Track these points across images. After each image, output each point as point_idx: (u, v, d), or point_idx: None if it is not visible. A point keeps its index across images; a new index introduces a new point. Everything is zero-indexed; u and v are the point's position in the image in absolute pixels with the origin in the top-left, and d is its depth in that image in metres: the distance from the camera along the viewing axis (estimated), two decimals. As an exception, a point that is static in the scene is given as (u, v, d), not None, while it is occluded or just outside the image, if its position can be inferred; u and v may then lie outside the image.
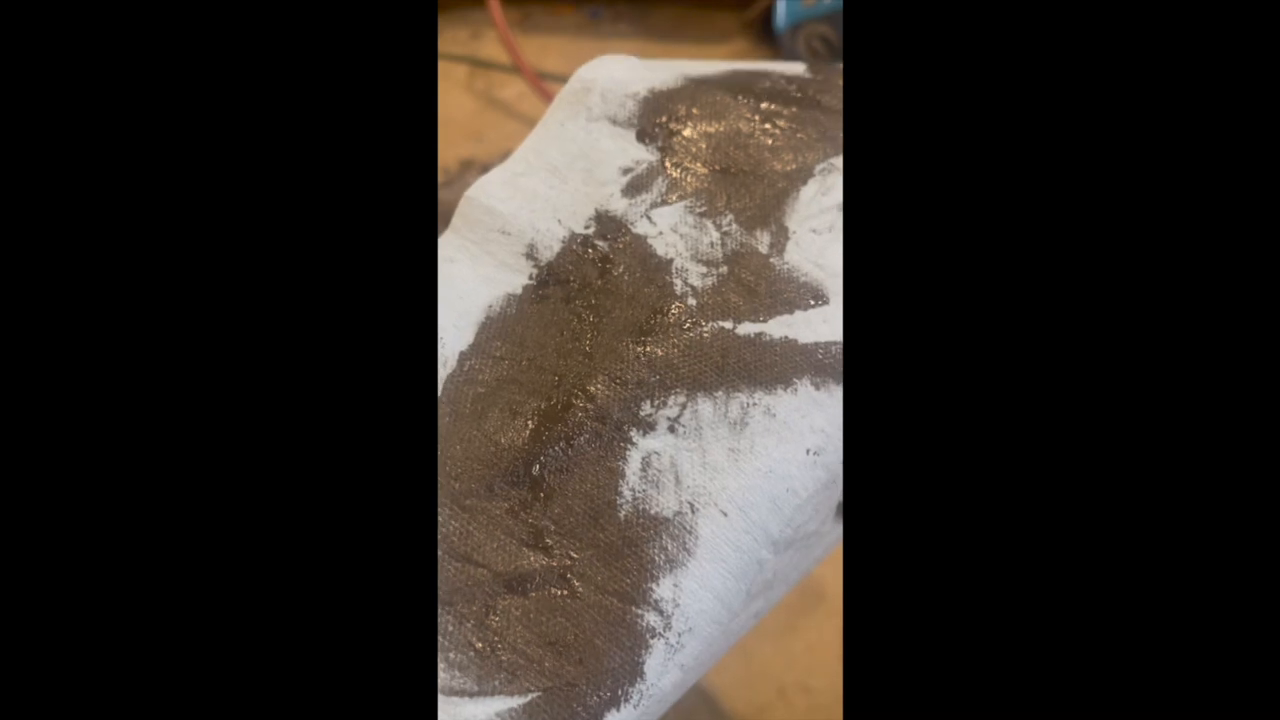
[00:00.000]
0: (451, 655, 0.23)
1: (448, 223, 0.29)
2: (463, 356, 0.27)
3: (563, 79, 0.31)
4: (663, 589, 0.24)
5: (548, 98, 0.42)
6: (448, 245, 0.29)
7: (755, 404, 0.25)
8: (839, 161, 0.29)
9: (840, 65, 0.33)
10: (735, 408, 0.25)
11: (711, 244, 0.28)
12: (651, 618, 0.24)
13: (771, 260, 0.27)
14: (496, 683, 0.23)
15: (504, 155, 0.31)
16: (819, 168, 0.29)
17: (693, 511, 0.25)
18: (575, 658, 0.23)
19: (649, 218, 0.28)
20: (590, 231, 0.28)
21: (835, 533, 0.29)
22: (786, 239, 0.28)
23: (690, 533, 0.25)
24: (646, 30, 0.53)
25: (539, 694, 0.23)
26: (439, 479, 0.25)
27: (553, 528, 0.25)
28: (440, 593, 0.24)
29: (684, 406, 0.25)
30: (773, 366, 0.26)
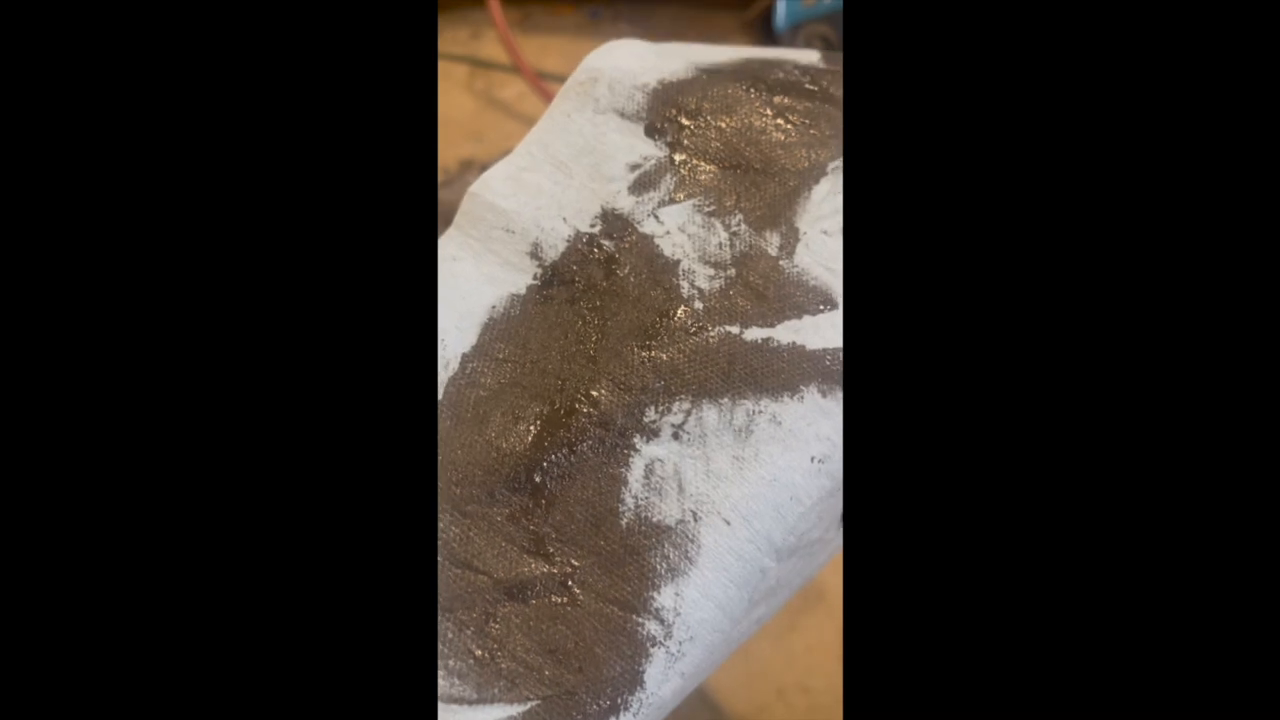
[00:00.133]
0: (451, 663, 0.23)
1: (447, 223, 0.29)
2: (465, 359, 0.26)
3: (563, 79, 0.30)
4: (664, 597, 0.24)
5: (547, 98, 0.41)
6: (451, 243, 0.28)
7: (761, 411, 0.25)
8: None
9: None
10: (741, 415, 0.25)
11: (720, 245, 0.27)
12: (652, 626, 0.24)
13: (781, 263, 0.27)
14: (496, 690, 0.23)
15: (504, 155, 0.30)
16: (832, 166, 0.28)
17: (695, 520, 0.24)
18: (575, 666, 0.23)
19: (656, 216, 0.28)
20: (596, 230, 0.28)
21: (839, 539, 0.29)
22: (797, 240, 0.27)
23: (693, 541, 0.24)
24: (646, 30, 0.52)
25: (538, 702, 0.23)
26: (440, 484, 0.25)
27: (554, 535, 0.24)
28: (440, 599, 0.24)
29: (689, 413, 0.25)
30: (780, 373, 0.25)
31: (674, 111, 0.29)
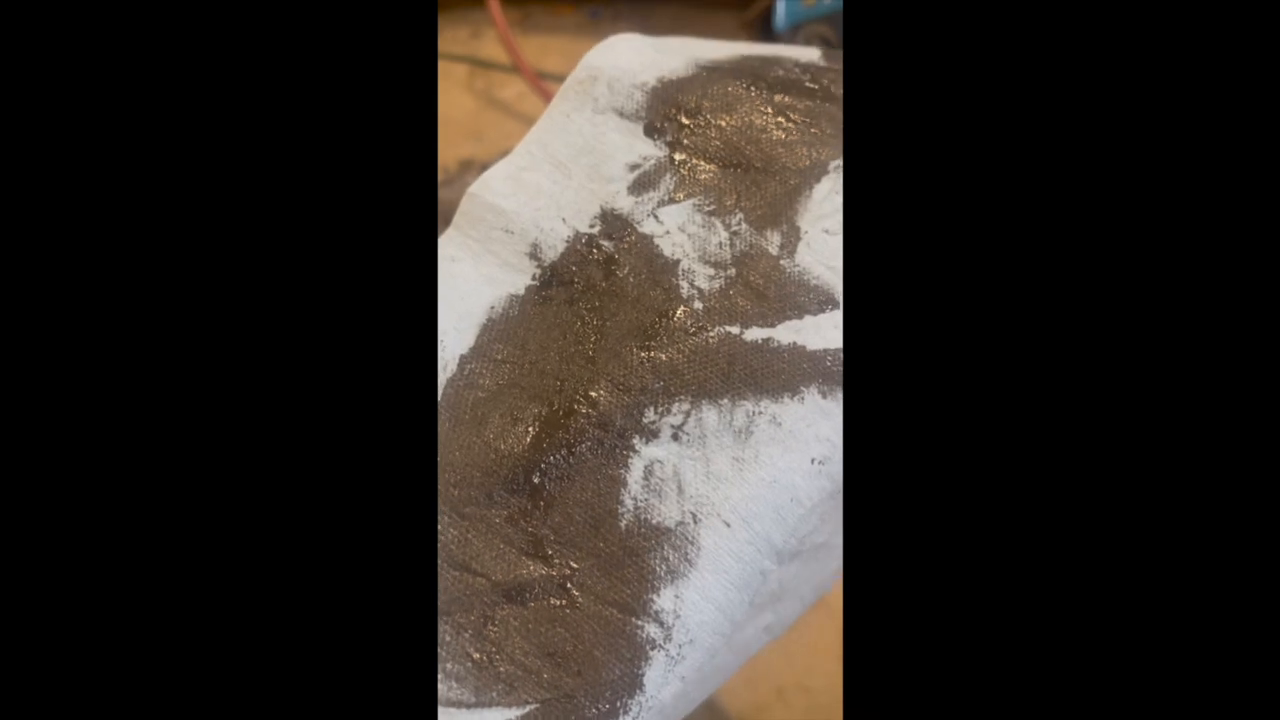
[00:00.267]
0: (449, 666, 0.23)
1: (447, 222, 0.29)
2: (463, 360, 0.26)
3: (563, 79, 0.30)
4: (663, 600, 0.24)
5: (547, 97, 0.41)
6: (450, 244, 0.28)
7: (761, 412, 0.25)
8: None
9: None
10: (740, 416, 0.25)
11: (720, 244, 0.27)
12: (652, 629, 0.24)
13: (781, 262, 0.27)
14: (494, 694, 0.23)
15: (504, 155, 0.30)
16: (833, 165, 0.28)
17: (695, 522, 0.24)
18: (574, 669, 0.23)
19: (656, 216, 0.27)
20: (595, 230, 0.27)
21: None
22: (798, 240, 0.27)
23: (692, 543, 0.24)
24: (646, 30, 0.52)
25: (537, 706, 0.23)
26: (438, 486, 0.25)
27: (552, 537, 0.24)
28: (438, 602, 0.24)
29: (688, 414, 0.25)
30: (780, 374, 0.25)
31: (674, 110, 0.29)
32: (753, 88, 0.29)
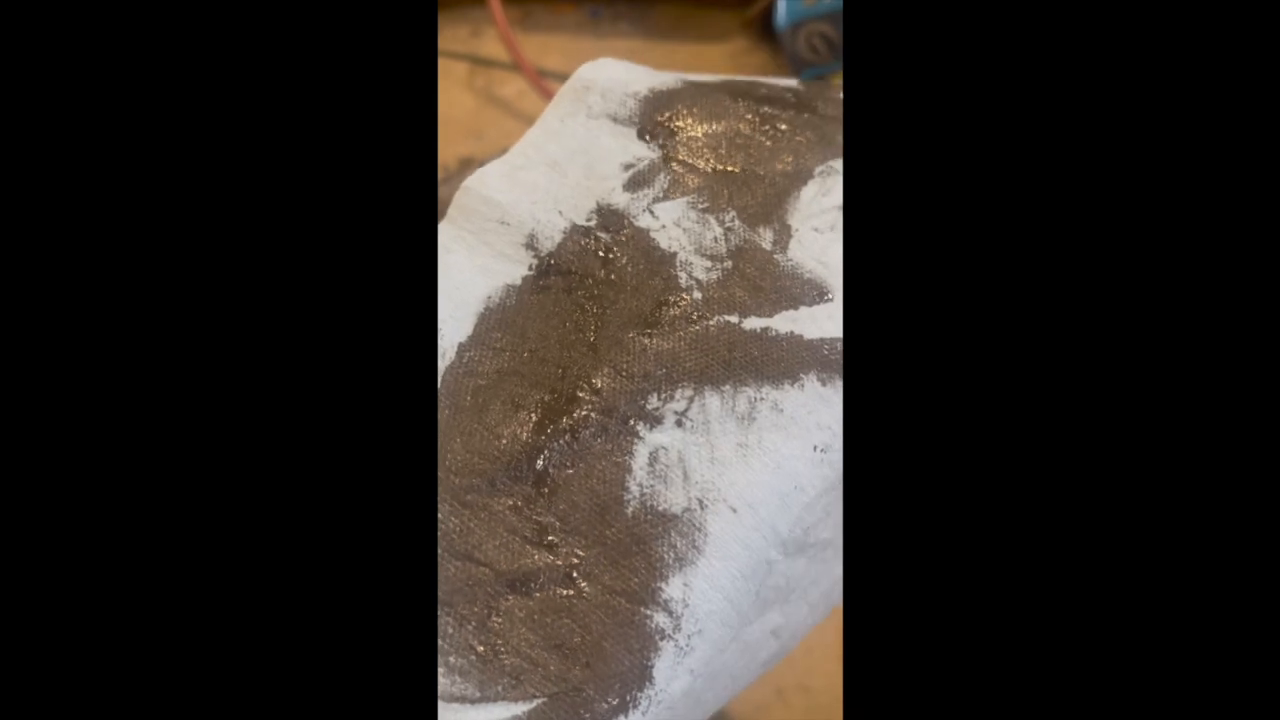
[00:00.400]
0: (452, 659, 0.22)
1: (447, 219, 0.29)
2: (462, 348, 0.26)
3: (563, 77, 0.31)
4: (672, 588, 0.23)
5: (548, 96, 0.41)
6: (443, 235, 0.28)
7: (763, 399, 0.25)
8: (838, 164, 0.29)
9: (833, 80, 0.34)
10: (743, 402, 0.25)
11: (715, 239, 0.27)
12: (660, 619, 0.23)
13: (775, 257, 0.27)
14: (500, 688, 0.22)
15: (503, 153, 0.30)
16: (818, 170, 0.29)
17: (702, 508, 0.24)
18: (582, 661, 0.22)
19: (651, 212, 0.28)
20: (592, 224, 0.27)
21: None
22: (789, 236, 0.27)
23: (700, 530, 0.24)
24: (646, 29, 0.52)
25: (544, 700, 0.22)
26: (438, 474, 0.24)
27: (558, 525, 0.24)
28: (440, 593, 0.23)
29: (691, 400, 0.25)
30: (779, 361, 0.25)
31: (665, 117, 0.29)
32: (739, 100, 0.30)
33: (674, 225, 0.27)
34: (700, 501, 0.24)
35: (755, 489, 0.24)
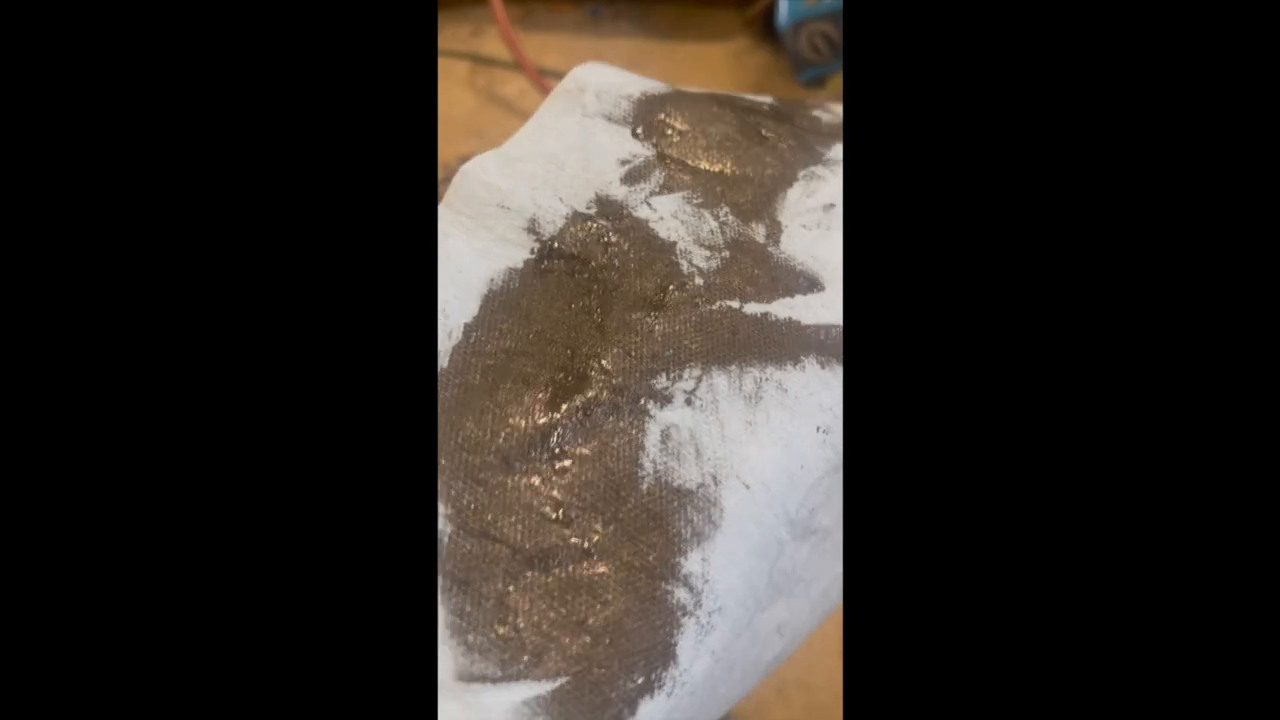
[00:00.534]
0: (470, 638, 0.21)
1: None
2: (468, 328, 0.25)
3: (563, 76, 0.31)
4: (691, 563, 0.23)
5: (549, 95, 0.42)
6: (441, 220, 0.27)
7: (768, 379, 0.25)
8: (819, 169, 0.30)
9: (807, 99, 0.36)
10: (749, 382, 0.25)
11: (711, 231, 0.28)
12: (681, 594, 0.23)
13: (769, 249, 0.28)
14: (521, 666, 0.21)
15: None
16: (801, 174, 0.30)
17: (716, 483, 0.24)
18: (604, 639, 0.22)
19: (649, 204, 0.28)
20: (592, 211, 0.28)
21: None
22: (780, 231, 0.28)
23: (715, 505, 0.24)
24: (647, 28, 0.52)
25: (568, 679, 0.21)
26: (451, 452, 0.24)
27: (574, 501, 0.23)
28: (457, 572, 0.22)
29: (699, 380, 0.25)
30: (780, 344, 0.26)
31: (658, 118, 0.30)
32: (726, 108, 0.31)
33: (671, 217, 0.28)
34: (714, 477, 0.24)
35: (766, 466, 0.24)
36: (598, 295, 0.26)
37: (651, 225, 0.28)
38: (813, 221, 0.29)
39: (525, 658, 0.21)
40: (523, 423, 0.24)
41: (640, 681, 0.22)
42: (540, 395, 0.24)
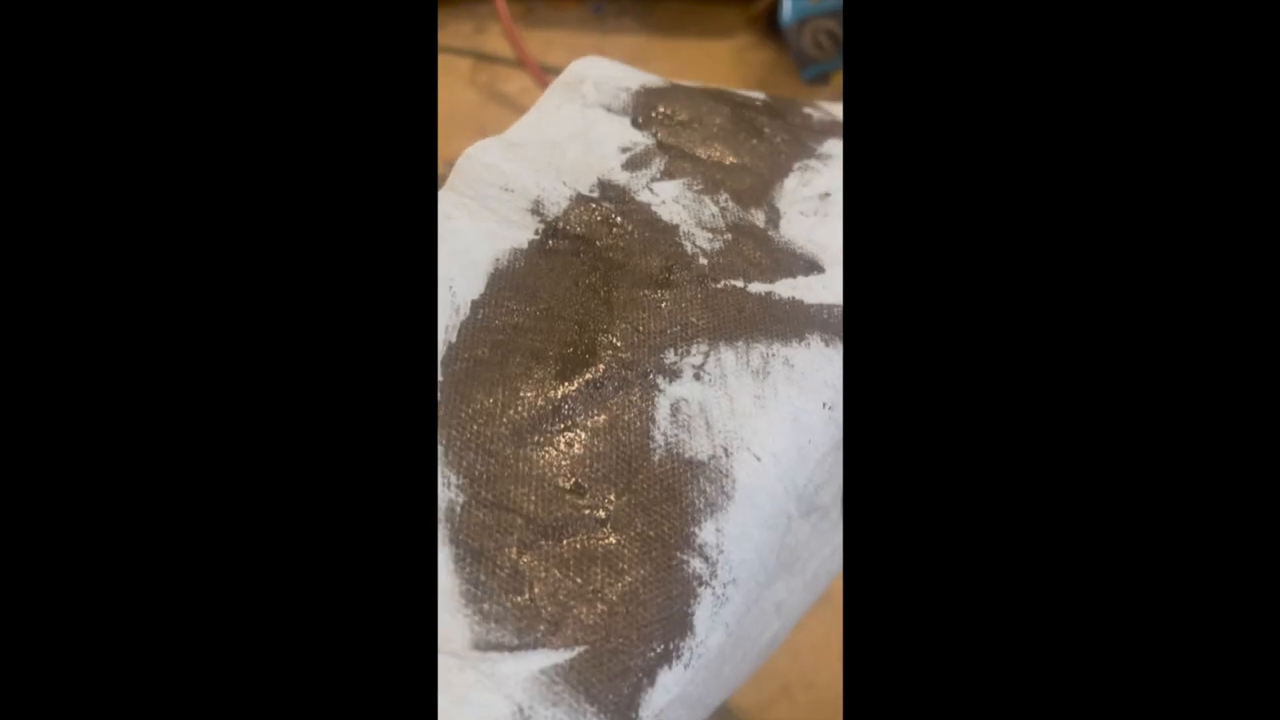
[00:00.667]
0: (486, 606, 0.21)
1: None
2: (475, 305, 0.25)
3: None
4: (705, 533, 0.23)
5: (549, 88, 0.42)
6: (443, 203, 0.28)
7: (774, 354, 0.25)
8: (813, 162, 0.31)
9: (798, 96, 0.37)
10: (756, 357, 0.25)
11: (712, 215, 0.28)
12: (697, 564, 0.22)
13: (769, 233, 0.28)
14: (538, 634, 0.21)
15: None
16: (796, 166, 0.30)
17: (727, 455, 0.24)
18: (621, 608, 0.21)
19: (650, 189, 0.28)
20: (595, 194, 0.28)
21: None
22: (779, 217, 0.29)
23: (727, 476, 0.24)
24: (650, 25, 0.52)
25: (585, 648, 0.21)
26: (462, 423, 0.23)
27: (586, 473, 0.23)
28: (471, 541, 0.22)
29: (707, 355, 0.25)
30: (785, 321, 0.26)
31: (657, 110, 0.31)
32: (721, 103, 0.32)
33: (673, 202, 0.28)
34: (725, 449, 0.24)
35: (776, 438, 0.24)
36: (603, 274, 0.26)
37: (654, 209, 0.28)
38: (810, 209, 0.29)
39: (542, 626, 0.21)
40: (533, 395, 0.24)
41: (660, 650, 0.21)
42: (549, 369, 0.24)
